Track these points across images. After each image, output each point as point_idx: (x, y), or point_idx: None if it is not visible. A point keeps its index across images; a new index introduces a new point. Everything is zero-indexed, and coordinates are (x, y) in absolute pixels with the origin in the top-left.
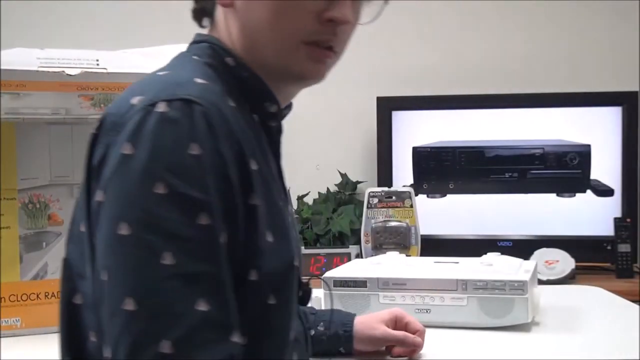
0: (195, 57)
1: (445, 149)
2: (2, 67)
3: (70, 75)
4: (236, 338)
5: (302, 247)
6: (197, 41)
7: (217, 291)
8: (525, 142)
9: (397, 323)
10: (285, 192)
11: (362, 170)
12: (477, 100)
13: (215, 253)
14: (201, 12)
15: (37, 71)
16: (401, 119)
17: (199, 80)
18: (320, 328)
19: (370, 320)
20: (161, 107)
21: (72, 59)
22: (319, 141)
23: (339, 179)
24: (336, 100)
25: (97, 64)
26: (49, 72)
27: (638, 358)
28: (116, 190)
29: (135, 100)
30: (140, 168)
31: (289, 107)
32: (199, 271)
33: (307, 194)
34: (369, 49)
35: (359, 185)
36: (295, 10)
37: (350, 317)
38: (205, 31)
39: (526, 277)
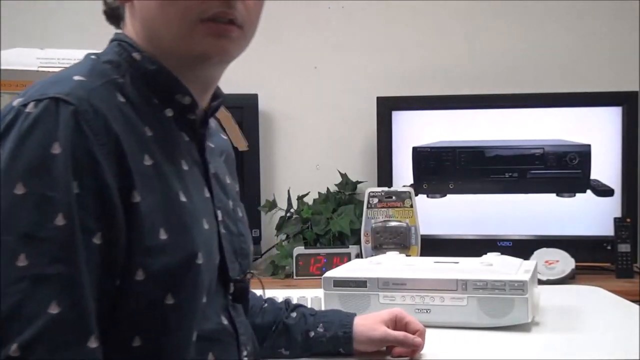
0: (92, 57)
1: (445, 149)
2: (2, 67)
3: None
4: (93, 343)
5: (301, 247)
6: (111, 40)
7: (72, 293)
8: (525, 142)
9: (397, 323)
10: (209, 186)
11: (362, 170)
12: (477, 100)
13: (72, 254)
14: (111, 13)
15: (37, 71)
16: (401, 119)
17: (77, 78)
18: (320, 329)
19: (370, 320)
20: (29, 107)
21: (72, 59)
22: (319, 141)
23: (339, 179)
24: (336, 100)
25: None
26: (49, 72)
27: (638, 358)
28: None
29: (15, 101)
30: (3, 169)
31: (217, 98)
32: (54, 273)
33: (307, 194)
34: (369, 49)
35: (359, 185)
36: None
37: (350, 317)
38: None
39: (526, 277)
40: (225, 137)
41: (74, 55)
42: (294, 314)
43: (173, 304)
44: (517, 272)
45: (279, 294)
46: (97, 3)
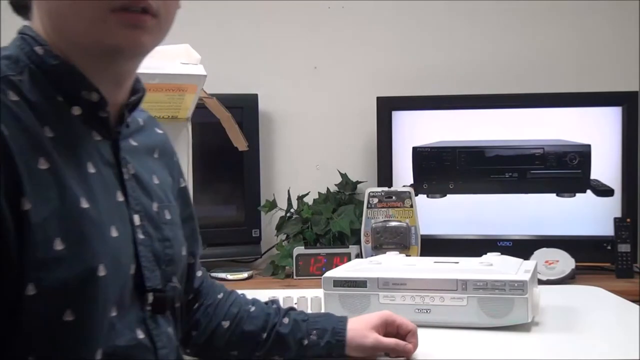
0: None
1: (445, 149)
2: None
3: None
4: None
5: (301, 247)
6: (17, 32)
7: None
8: (525, 142)
9: (387, 327)
10: (124, 189)
11: (362, 170)
12: (477, 100)
13: None
14: (17, 4)
15: None
16: (401, 119)
17: None
18: (313, 337)
19: (362, 327)
20: None
21: None
22: (319, 141)
23: (339, 179)
24: (336, 100)
25: None
26: None
27: (638, 358)
28: None
29: None
30: None
31: (136, 92)
32: None
33: (307, 194)
34: (369, 49)
35: (359, 185)
36: None
37: (343, 324)
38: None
39: (526, 277)
40: (161, 132)
41: None
42: (285, 320)
43: (72, 321)
44: (517, 272)
45: (279, 294)
46: None
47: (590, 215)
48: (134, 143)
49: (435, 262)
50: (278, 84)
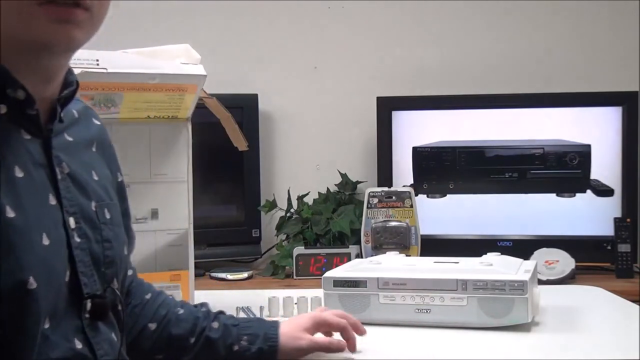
0: None
1: (445, 149)
2: None
3: None
4: None
5: (301, 247)
6: None
7: None
8: (525, 142)
9: (319, 327)
10: (57, 191)
11: (362, 170)
12: (477, 100)
13: None
14: None
15: None
16: (401, 119)
17: None
18: (244, 342)
19: (294, 330)
20: None
21: (72, 59)
22: (319, 141)
23: (339, 179)
24: (336, 100)
25: (97, 64)
26: None
27: (638, 358)
28: None
29: None
30: None
31: (67, 86)
32: None
33: (307, 194)
34: (369, 49)
35: (359, 185)
36: None
37: (275, 328)
38: None
39: (526, 277)
40: (98, 123)
41: (73, 55)
42: (215, 324)
43: (0, 336)
44: (517, 272)
45: (279, 294)
46: None
47: (590, 215)
48: (69, 138)
49: (435, 262)
50: (278, 84)
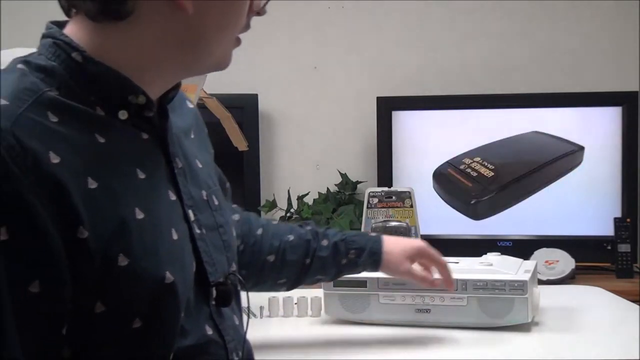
0: (20, 65)
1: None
2: (2, 67)
3: None
4: None
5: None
6: (43, 36)
7: None
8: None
9: (421, 258)
10: (177, 187)
11: (362, 170)
12: (477, 100)
13: None
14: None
15: None
16: (401, 119)
17: (2, 102)
18: (352, 256)
19: (398, 253)
20: None
21: None
22: (319, 141)
23: (339, 179)
24: (336, 100)
25: None
26: None
27: (638, 358)
28: None
29: None
30: None
31: (175, 88)
32: None
33: (307, 194)
34: (369, 49)
35: (359, 185)
36: (244, 11)
37: (379, 244)
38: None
39: (526, 277)
40: (191, 106)
41: None
42: (324, 242)
43: (140, 328)
44: (517, 272)
45: (279, 294)
46: None
47: (590, 215)
48: (174, 130)
49: None
50: (278, 84)
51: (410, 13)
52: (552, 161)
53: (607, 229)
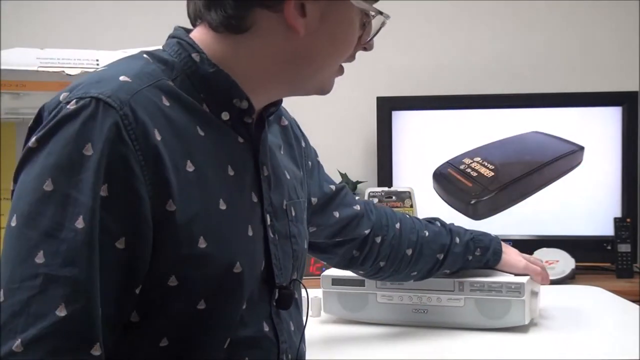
0: (145, 56)
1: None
2: (2, 67)
3: (70, 75)
4: (96, 351)
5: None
6: (170, 36)
7: (80, 298)
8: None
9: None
10: (260, 190)
11: (362, 170)
12: (478, 100)
13: (86, 259)
14: (234, 21)
15: (37, 71)
16: (401, 119)
17: (122, 78)
18: (477, 253)
19: (514, 252)
20: (71, 104)
21: (72, 59)
22: (319, 141)
23: (339, 179)
24: (336, 100)
25: (97, 64)
26: (49, 72)
27: (638, 358)
28: (18, 183)
29: (62, 96)
30: (38, 163)
31: (275, 104)
32: (66, 275)
33: None
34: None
35: (359, 185)
36: (352, 42)
37: (499, 245)
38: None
39: (524, 279)
40: (285, 123)
41: (74, 55)
42: (457, 240)
43: (205, 310)
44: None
45: None
46: (97, 3)
47: (590, 215)
48: (269, 142)
49: None
50: None
51: (410, 13)
52: (552, 161)
53: (607, 229)
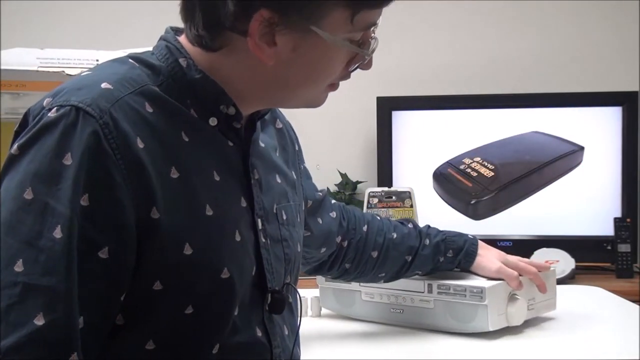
0: (131, 60)
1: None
2: (2, 67)
3: (70, 75)
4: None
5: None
6: (161, 38)
7: (58, 308)
8: None
9: (508, 265)
10: (250, 195)
11: (362, 170)
12: (477, 100)
13: (65, 268)
14: (206, 40)
15: (37, 71)
16: (401, 119)
17: (104, 85)
18: (449, 255)
19: (491, 255)
20: (52, 113)
21: (72, 59)
22: (319, 141)
23: (339, 179)
24: (336, 100)
25: (97, 64)
26: (49, 72)
27: (638, 358)
28: (1, 189)
29: (45, 101)
30: (19, 171)
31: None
32: (44, 285)
33: None
34: None
35: (359, 185)
36: (333, 67)
37: (475, 247)
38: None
39: (491, 283)
40: (280, 126)
41: (74, 55)
42: (427, 242)
43: (192, 314)
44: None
45: None
46: (97, 3)
47: (590, 215)
48: (261, 144)
49: None
50: None
51: (410, 13)
52: (552, 161)
53: (607, 229)
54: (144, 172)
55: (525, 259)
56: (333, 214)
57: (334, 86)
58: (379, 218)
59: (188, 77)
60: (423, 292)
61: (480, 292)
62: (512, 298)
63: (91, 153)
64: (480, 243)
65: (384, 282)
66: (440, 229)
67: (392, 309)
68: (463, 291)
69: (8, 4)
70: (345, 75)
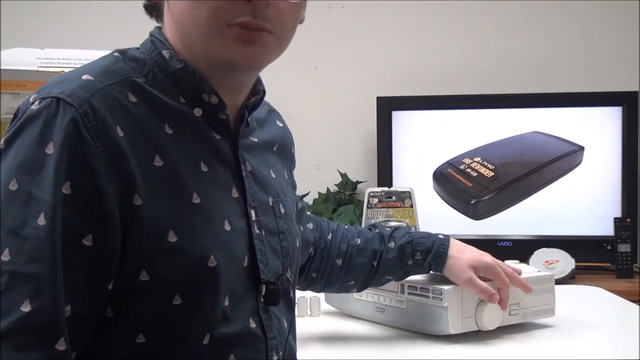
0: (116, 54)
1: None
2: (2, 67)
3: None
4: (61, 346)
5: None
6: (149, 33)
7: (44, 294)
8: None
9: (485, 272)
10: (242, 186)
11: (362, 170)
12: (477, 100)
13: (49, 255)
14: (151, 8)
15: (37, 71)
16: (401, 119)
17: (85, 77)
18: (418, 257)
19: (462, 261)
20: (35, 105)
21: (72, 59)
22: (319, 141)
23: (339, 179)
24: (336, 100)
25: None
26: (49, 72)
27: (638, 358)
28: None
29: (31, 97)
30: (5, 164)
31: (256, 93)
32: (30, 272)
33: (307, 194)
34: (369, 49)
35: (359, 185)
36: None
37: (445, 248)
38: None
39: (446, 286)
40: (280, 125)
41: (74, 55)
42: (391, 245)
43: (180, 305)
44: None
45: None
46: (97, 3)
47: (590, 215)
48: (254, 139)
49: None
50: (278, 84)
51: (410, 13)
52: (552, 161)
53: (607, 229)
54: (125, 159)
55: (502, 262)
56: (310, 225)
57: (245, 29)
58: (346, 227)
59: (171, 68)
60: (397, 292)
61: (440, 294)
62: (482, 301)
63: (71, 141)
64: (453, 243)
65: (357, 290)
66: (440, 229)
67: (376, 308)
68: (427, 292)
69: (8, 4)
70: (248, 10)
